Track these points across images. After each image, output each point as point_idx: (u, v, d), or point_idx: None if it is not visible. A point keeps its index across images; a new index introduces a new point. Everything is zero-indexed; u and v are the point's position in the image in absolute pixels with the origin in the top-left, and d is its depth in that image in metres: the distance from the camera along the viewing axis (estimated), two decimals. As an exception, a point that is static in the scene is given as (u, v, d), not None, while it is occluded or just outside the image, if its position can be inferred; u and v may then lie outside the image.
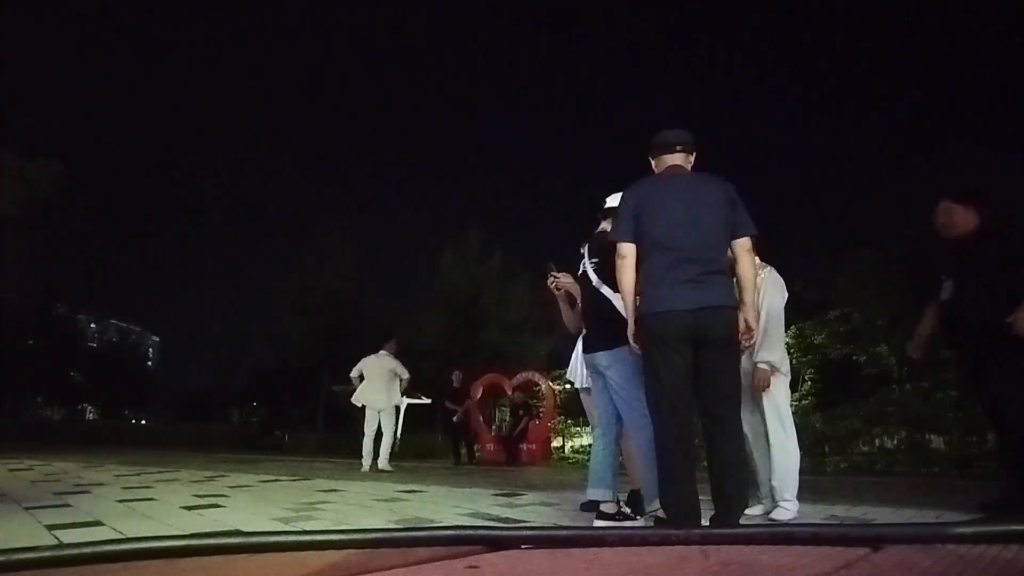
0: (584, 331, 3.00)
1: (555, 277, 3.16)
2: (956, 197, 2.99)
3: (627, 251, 2.32)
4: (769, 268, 3.06)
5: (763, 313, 2.84)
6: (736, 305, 2.26)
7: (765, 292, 2.93)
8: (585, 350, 2.89)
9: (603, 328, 2.73)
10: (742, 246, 2.28)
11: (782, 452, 2.87)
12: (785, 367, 3.03)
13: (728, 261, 2.31)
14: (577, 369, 3.28)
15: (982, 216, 2.94)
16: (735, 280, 2.34)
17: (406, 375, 6.88)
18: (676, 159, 2.44)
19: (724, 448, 2.14)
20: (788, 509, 2.80)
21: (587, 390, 3.18)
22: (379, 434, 6.80)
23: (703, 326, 2.14)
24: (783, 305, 3.03)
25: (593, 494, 2.79)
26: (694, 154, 2.48)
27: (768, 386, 2.88)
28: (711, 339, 2.15)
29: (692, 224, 2.24)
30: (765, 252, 3.03)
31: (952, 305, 2.98)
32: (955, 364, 3.74)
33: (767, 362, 2.87)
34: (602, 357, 2.72)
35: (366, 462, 6.53)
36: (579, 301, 3.13)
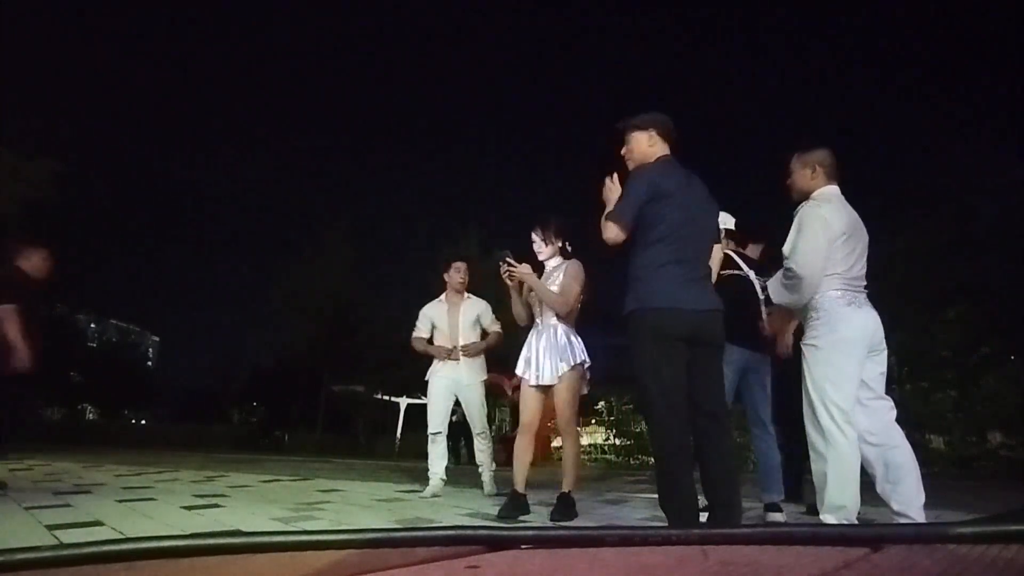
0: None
1: (509, 266, 2.93)
2: (740, 233, 3.27)
3: (618, 240, 2.15)
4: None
5: None
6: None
7: None
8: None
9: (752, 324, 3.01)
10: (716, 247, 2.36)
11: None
12: None
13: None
14: (532, 363, 2.98)
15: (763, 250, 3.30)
16: None
17: (497, 327, 4.10)
18: (667, 148, 2.31)
19: (722, 447, 2.12)
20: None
21: (541, 387, 2.99)
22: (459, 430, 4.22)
23: (703, 328, 2.10)
24: None
25: (768, 497, 2.89)
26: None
27: None
28: (707, 341, 2.13)
29: (695, 221, 2.17)
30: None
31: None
32: None
33: None
34: (758, 358, 3.01)
35: (435, 478, 3.72)
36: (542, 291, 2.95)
